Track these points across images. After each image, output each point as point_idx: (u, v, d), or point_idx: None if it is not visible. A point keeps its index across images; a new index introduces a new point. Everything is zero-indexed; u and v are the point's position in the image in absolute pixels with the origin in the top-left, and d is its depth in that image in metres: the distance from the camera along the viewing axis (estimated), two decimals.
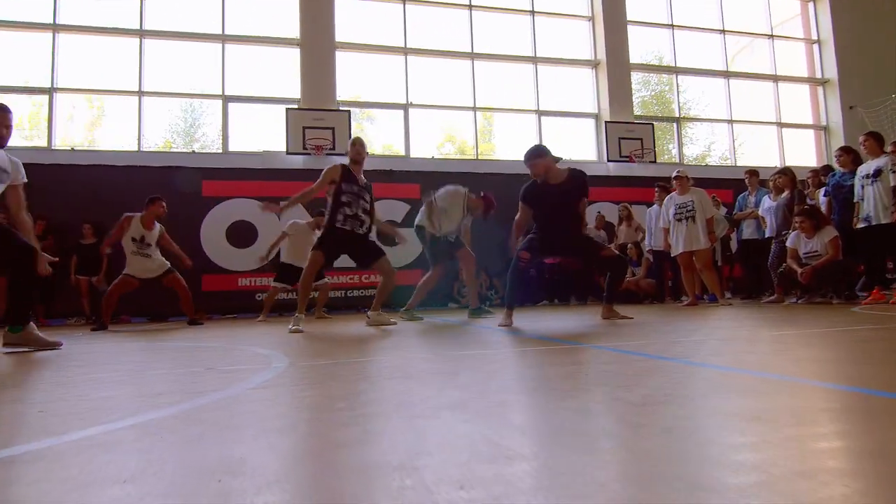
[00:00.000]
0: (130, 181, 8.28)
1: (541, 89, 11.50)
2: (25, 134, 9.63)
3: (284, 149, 9.65)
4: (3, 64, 9.26)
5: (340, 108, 10.06)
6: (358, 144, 4.83)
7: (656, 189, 7.90)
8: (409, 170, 9.75)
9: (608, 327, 3.58)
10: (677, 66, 12.39)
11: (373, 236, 4.96)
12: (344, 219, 4.57)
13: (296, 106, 10.00)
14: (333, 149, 9.67)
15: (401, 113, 10.75)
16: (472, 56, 11.18)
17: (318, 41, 10.18)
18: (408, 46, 10.86)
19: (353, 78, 10.57)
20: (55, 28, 9.46)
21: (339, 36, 10.38)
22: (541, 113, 11.40)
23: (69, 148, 9.23)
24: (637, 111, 11.96)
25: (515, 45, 11.57)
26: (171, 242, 6.54)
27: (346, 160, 4.85)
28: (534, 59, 11.51)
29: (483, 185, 9.75)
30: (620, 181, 10.61)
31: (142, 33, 9.78)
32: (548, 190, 4.33)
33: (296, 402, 1.36)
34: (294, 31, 10.34)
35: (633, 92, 11.97)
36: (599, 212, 9.50)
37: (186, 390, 1.41)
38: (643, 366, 1.76)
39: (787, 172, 6.99)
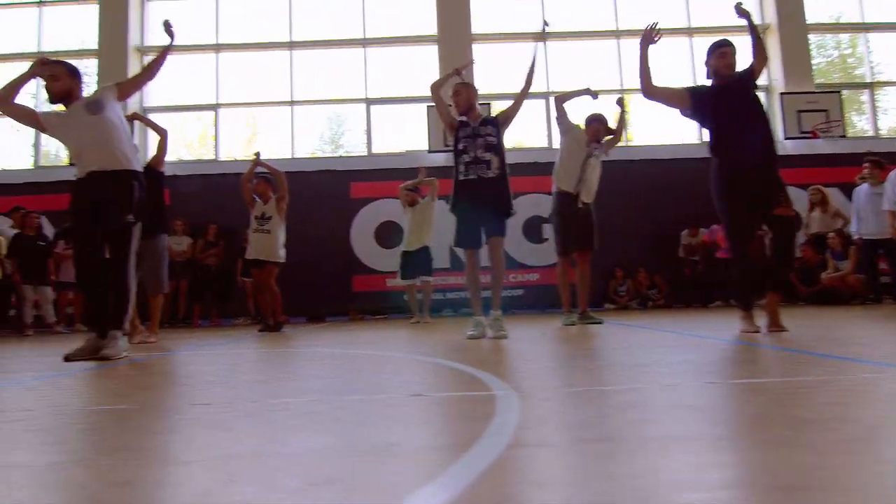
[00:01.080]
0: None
1: (696, 62, 10.33)
2: (195, 151, 10.50)
3: (427, 147, 9.56)
4: (173, 85, 10.13)
5: (480, 102, 9.72)
6: (453, 94, 3.93)
7: (866, 165, 6.60)
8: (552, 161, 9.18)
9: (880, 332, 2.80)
10: (865, 21, 10.51)
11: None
12: (465, 168, 3.74)
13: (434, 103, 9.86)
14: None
15: (542, 102, 10.21)
16: (618, 34, 10.32)
17: (455, 35, 9.97)
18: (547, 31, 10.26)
19: (491, 70, 10.22)
20: (217, 48, 10.19)
21: (476, 28, 10.09)
22: None
23: (233, 158, 9.86)
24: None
25: (665, 17, 10.49)
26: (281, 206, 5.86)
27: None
28: (689, 31, 10.37)
29: (636, 172, 8.95)
30: (803, 160, 9.16)
31: (291, 45, 10.21)
32: (730, 88, 3.39)
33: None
34: (431, 27, 10.23)
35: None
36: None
37: (424, 442, 1.05)
38: None
39: None
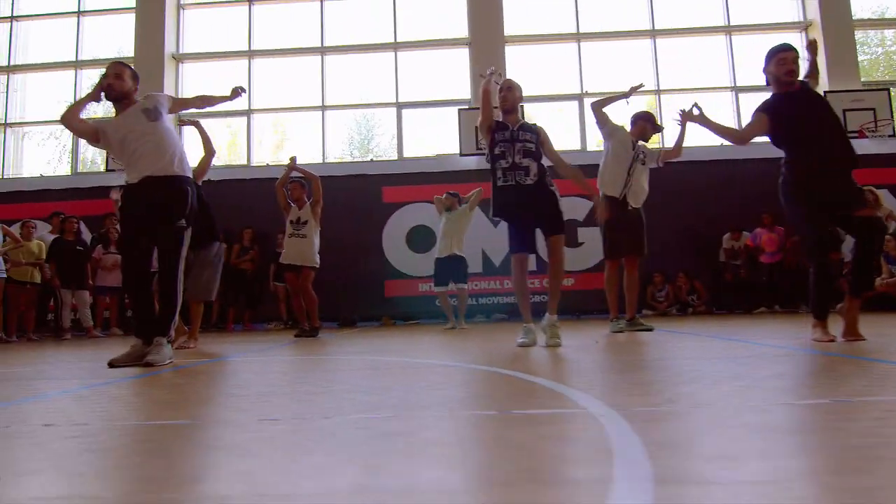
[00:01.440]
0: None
1: (737, 62, 10.04)
2: (224, 157, 10.54)
3: (458, 151, 9.43)
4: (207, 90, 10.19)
5: None
6: (503, 89, 3.70)
7: None
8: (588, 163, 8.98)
9: None
10: None
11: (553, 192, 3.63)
12: (503, 174, 3.55)
13: (466, 107, 9.75)
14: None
15: (576, 104, 10.02)
16: (653, 34, 10.09)
17: (487, 37, 9.84)
18: (580, 32, 10.10)
19: (524, 71, 10.06)
20: (250, 54, 10.24)
21: (508, 29, 9.95)
22: (737, 89, 9.94)
23: (264, 164, 9.87)
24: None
25: (702, 17, 10.24)
26: (316, 208, 5.77)
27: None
28: (727, 29, 10.08)
29: (675, 173, 8.68)
30: None
31: (322, 50, 10.21)
32: (800, 97, 3.24)
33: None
34: (463, 30, 10.13)
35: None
36: None
37: (560, 473, 0.90)
38: None
39: None
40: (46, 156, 10.92)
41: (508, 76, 9.64)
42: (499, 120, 3.70)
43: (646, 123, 4.85)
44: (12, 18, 10.65)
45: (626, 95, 4.83)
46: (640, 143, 4.80)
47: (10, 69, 10.55)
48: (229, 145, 10.72)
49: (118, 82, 3.18)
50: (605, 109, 4.73)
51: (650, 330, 4.46)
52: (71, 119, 3.21)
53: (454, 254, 6.30)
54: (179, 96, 3.60)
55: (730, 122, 9.93)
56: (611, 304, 4.68)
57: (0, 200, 9.21)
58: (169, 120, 3.31)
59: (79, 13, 10.52)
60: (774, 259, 7.67)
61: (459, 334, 5.24)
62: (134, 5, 10.15)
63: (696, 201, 8.50)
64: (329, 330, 7.55)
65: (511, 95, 3.66)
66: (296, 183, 5.84)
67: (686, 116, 4.27)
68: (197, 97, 3.70)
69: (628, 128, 4.87)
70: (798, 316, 6.69)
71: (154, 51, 9.95)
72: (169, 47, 10.08)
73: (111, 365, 2.89)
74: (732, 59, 10.02)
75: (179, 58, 10.22)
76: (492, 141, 3.65)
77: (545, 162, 3.63)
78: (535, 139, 3.62)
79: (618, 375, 2.14)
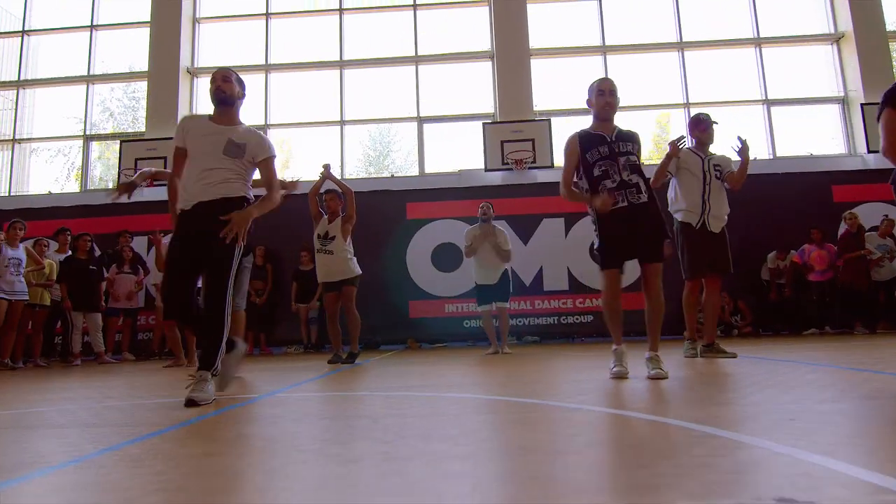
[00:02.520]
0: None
1: (767, 74, 9.76)
2: None
3: (483, 166, 9.10)
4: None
5: (539, 118, 9.29)
6: (605, 92, 3.21)
7: None
8: None
9: None
10: None
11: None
12: (609, 195, 3.09)
13: (490, 120, 9.45)
14: (535, 161, 8.91)
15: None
16: (681, 46, 9.83)
17: (511, 50, 9.57)
18: (606, 45, 9.84)
19: (550, 85, 9.77)
20: (267, 68, 9.97)
21: (533, 42, 9.68)
22: (769, 102, 9.64)
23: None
24: None
25: (731, 30, 9.99)
26: (347, 226, 5.34)
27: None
28: (756, 41, 9.82)
29: None
30: (888, 175, 8.46)
31: (342, 64, 9.94)
32: None
33: None
34: (485, 43, 9.87)
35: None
36: (887, 216, 7.52)
37: None
38: None
39: None
40: (54, 173, 10.59)
41: (534, 90, 9.43)
42: (588, 131, 3.23)
43: (703, 130, 4.38)
44: (23, 33, 10.40)
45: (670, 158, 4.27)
46: (710, 155, 4.35)
47: (20, 84, 10.27)
48: None
49: (228, 86, 2.94)
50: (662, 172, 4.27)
51: (733, 357, 4.04)
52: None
53: (502, 273, 5.91)
54: (273, 166, 3.01)
55: (761, 135, 9.63)
56: (688, 325, 4.31)
57: (6, 218, 8.85)
58: (250, 168, 2.93)
59: (92, 27, 10.28)
60: (825, 277, 7.27)
61: (511, 361, 4.81)
62: (149, 19, 9.90)
63: (739, 218, 8.13)
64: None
65: (614, 101, 3.20)
66: (333, 193, 5.44)
67: (746, 148, 4.25)
68: (271, 196, 2.99)
69: (688, 140, 4.38)
70: (854, 337, 6.28)
71: (169, 64, 9.68)
72: (184, 61, 9.81)
73: (189, 404, 2.54)
74: (763, 72, 9.74)
75: (194, 72, 9.94)
76: (584, 162, 3.17)
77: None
78: (637, 149, 3.22)
79: (800, 418, 1.73)
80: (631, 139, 3.21)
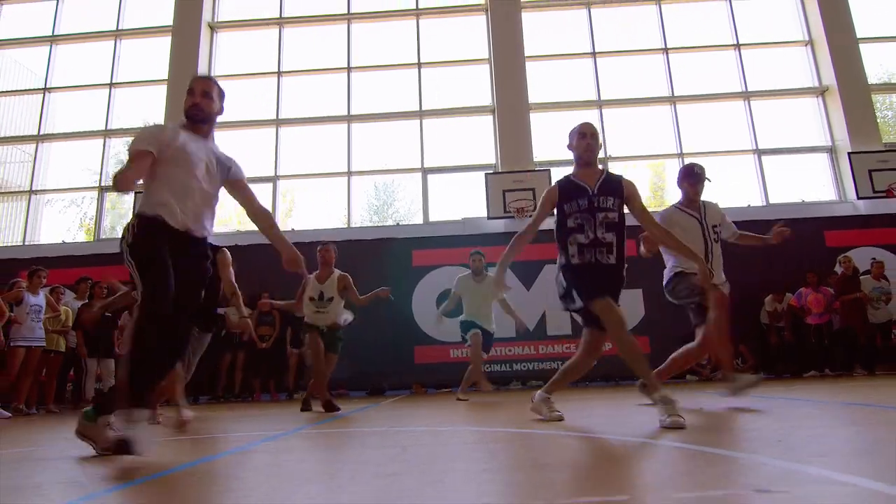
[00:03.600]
0: (345, 254, 8.45)
1: (757, 125, 10.20)
2: (241, 220, 10.51)
3: (485, 214, 9.40)
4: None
5: (539, 169, 9.66)
6: (586, 135, 3.11)
7: None
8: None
9: None
10: None
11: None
12: (578, 250, 3.01)
13: (492, 171, 9.82)
14: (535, 210, 9.20)
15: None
16: (673, 100, 10.31)
17: (512, 105, 10.04)
18: (602, 99, 10.33)
19: (548, 137, 10.20)
20: (278, 122, 10.42)
21: (532, 97, 10.17)
22: (760, 152, 10.04)
23: (290, 229, 9.82)
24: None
25: (721, 84, 10.50)
26: (353, 290, 5.21)
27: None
28: (745, 95, 10.31)
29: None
30: (881, 220, 8.77)
31: (349, 118, 10.39)
32: None
33: None
34: (487, 98, 10.35)
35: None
36: (875, 259, 7.77)
37: None
38: None
39: None
40: (66, 223, 10.90)
41: (533, 141, 9.84)
42: (569, 179, 3.14)
43: (691, 183, 3.93)
44: (45, 90, 10.91)
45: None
46: (707, 215, 3.91)
47: (39, 138, 10.71)
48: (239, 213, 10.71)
49: (209, 103, 2.58)
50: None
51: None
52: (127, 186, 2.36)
53: (490, 329, 5.95)
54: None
55: (754, 183, 9.97)
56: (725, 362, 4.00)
57: (23, 266, 9.08)
58: (217, 189, 2.66)
59: (111, 85, 10.79)
60: (822, 320, 7.44)
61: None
62: (166, 76, 10.40)
63: (735, 263, 8.35)
64: (358, 400, 7.23)
65: (595, 143, 3.11)
66: (328, 246, 5.30)
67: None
68: (280, 236, 2.81)
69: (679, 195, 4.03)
70: (854, 378, 6.39)
71: (188, 72, 10.07)
72: (202, 68, 10.33)
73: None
74: (753, 123, 10.18)
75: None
76: (560, 212, 3.10)
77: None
78: (618, 204, 3.06)
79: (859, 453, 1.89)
80: (614, 192, 3.07)
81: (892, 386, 4.82)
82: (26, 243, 10.18)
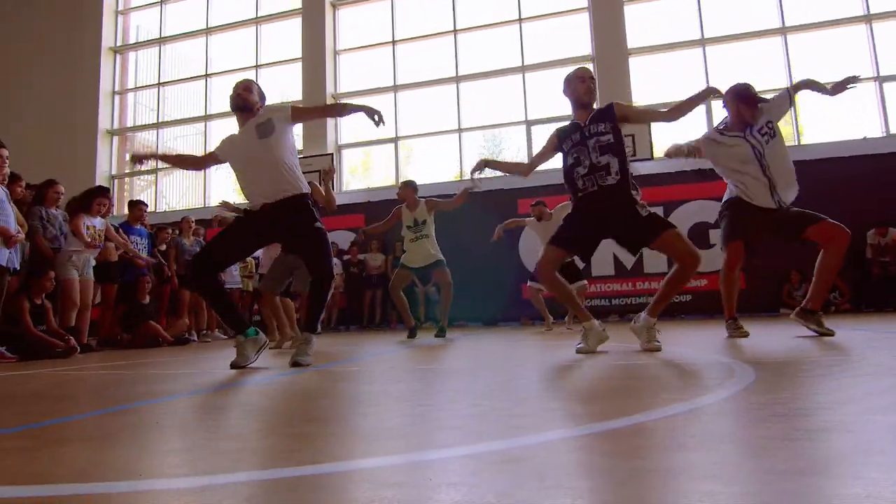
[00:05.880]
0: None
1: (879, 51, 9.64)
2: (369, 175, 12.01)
3: None
4: (358, 127, 11.77)
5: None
6: (586, 79, 3.21)
7: None
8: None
9: None
10: None
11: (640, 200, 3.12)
12: (582, 182, 3.10)
13: None
14: (634, 155, 9.68)
15: (703, 109, 10.21)
16: (784, 31, 10.00)
17: (610, 52, 10.36)
18: (705, 37, 10.30)
19: (649, 81, 10.42)
20: (395, 88, 11.62)
21: (631, 42, 10.38)
22: (881, 79, 9.54)
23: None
24: None
25: (835, 8, 9.94)
26: (441, 202, 5.71)
27: None
28: (867, 18, 9.72)
29: (811, 170, 8.62)
30: None
31: (458, 78, 11.32)
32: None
33: None
34: (586, 48, 10.72)
35: None
36: None
37: None
38: None
39: None
40: (230, 186, 13.15)
41: (633, 86, 10.17)
42: (563, 126, 3.29)
43: (748, 105, 3.71)
44: (206, 76, 12.99)
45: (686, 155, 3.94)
46: (751, 131, 3.73)
47: (206, 118, 12.86)
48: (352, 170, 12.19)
49: (248, 95, 3.13)
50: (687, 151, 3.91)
51: (830, 335, 3.53)
52: (190, 166, 3.88)
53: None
54: (302, 107, 3.39)
55: (875, 113, 9.56)
56: (728, 303, 3.94)
57: (207, 225, 11.37)
58: (287, 133, 3.13)
59: (256, 67, 12.59)
60: None
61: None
62: (299, 56, 11.94)
63: (837, 197, 8.35)
64: (474, 328, 8.53)
65: (595, 86, 3.23)
66: (408, 184, 5.78)
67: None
68: (327, 106, 3.47)
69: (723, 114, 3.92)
70: None
71: (317, 50, 11.71)
72: (329, 46, 11.81)
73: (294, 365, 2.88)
74: (874, 48, 9.65)
75: (337, 97, 11.88)
76: (564, 155, 3.23)
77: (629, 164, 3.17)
78: (611, 127, 3.09)
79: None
80: (606, 118, 3.12)
81: None
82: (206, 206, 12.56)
